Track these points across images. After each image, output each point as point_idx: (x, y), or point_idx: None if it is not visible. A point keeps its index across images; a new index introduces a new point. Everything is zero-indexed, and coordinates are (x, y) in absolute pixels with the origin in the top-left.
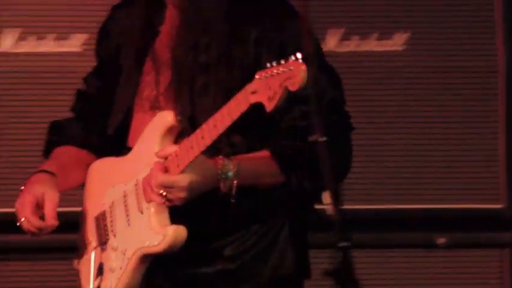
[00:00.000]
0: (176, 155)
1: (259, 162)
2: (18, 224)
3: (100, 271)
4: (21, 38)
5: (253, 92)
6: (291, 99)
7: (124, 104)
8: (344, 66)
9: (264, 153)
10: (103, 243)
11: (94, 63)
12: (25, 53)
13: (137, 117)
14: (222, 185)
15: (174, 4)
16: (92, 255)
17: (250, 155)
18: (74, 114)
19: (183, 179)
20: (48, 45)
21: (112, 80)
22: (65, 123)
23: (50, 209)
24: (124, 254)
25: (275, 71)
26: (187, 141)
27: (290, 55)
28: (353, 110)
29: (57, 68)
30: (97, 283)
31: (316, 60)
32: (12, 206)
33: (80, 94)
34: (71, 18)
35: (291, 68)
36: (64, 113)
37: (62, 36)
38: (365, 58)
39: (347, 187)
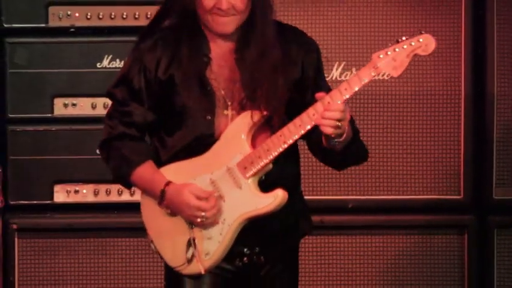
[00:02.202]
0: (329, 102)
1: None
2: (199, 220)
3: (189, 244)
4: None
5: (376, 67)
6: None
7: (211, 113)
8: None
9: None
10: (190, 222)
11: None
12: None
13: (219, 122)
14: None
15: (231, 39)
16: (179, 233)
17: None
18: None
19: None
20: None
21: (163, 99)
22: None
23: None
24: (224, 223)
25: (400, 47)
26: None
27: (321, 74)
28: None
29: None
30: (190, 252)
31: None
32: None
33: (129, 123)
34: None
35: (421, 40)
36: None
37: None
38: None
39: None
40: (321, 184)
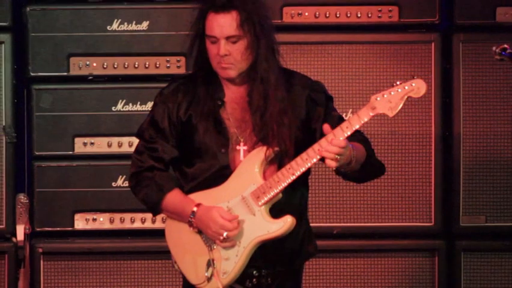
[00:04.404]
0: (332, 138)
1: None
2: (222, 238)
3: (209, 264)
4: None
5: (373, 108)
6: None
7: (225, 147)
8: None
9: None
10: (210, 245)
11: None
12: None
13: (233, 155)
14: (352, 163)
15: (242, 82)
16: (200, 255)
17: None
18: (155, 168)
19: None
20: None
21: (184, 137)
22: (164, 175)
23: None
24: (239, 245)
25: (395, 90)
26: (337, 128)
27: (330, 106)
28: None
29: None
30: (210, 272)
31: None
32: None
33: (157, 158)
34: None
35: (413, 84)
36: None
37: None
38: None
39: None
40: (309, 212)
